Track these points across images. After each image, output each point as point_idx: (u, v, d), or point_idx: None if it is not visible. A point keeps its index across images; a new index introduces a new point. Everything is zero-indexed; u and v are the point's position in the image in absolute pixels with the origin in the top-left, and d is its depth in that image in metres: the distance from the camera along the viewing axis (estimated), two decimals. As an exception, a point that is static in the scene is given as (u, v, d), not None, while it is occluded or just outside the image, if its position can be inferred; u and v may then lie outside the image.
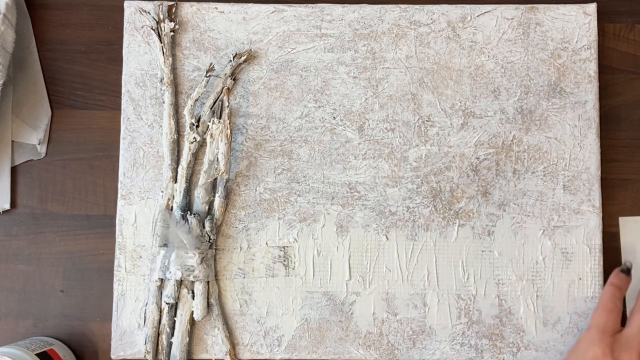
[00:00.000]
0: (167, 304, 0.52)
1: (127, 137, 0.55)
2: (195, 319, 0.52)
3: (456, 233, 0.54)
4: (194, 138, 0.53)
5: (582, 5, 0.55)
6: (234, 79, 0.55)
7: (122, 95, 0.55)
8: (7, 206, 0.55)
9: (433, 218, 0.54)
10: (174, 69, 0.55)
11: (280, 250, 0.54)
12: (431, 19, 0.55)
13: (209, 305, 0.53)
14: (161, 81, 0.54)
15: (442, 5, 0.55)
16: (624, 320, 0.52)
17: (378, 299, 0.53)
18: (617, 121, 0.56)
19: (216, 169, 0.53)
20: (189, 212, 0.53)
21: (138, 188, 0.54)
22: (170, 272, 0.52)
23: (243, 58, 0.54)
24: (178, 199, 0.53)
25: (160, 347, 0.52)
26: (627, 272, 0.51)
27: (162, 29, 0.54)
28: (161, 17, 0.54)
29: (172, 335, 0.52)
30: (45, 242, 0.55)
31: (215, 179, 0.53)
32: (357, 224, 0.54)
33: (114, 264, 0.54)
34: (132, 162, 0.54)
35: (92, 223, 0.55)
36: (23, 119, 0.56)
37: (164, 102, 0.54)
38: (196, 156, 0.54)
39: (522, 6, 0.55)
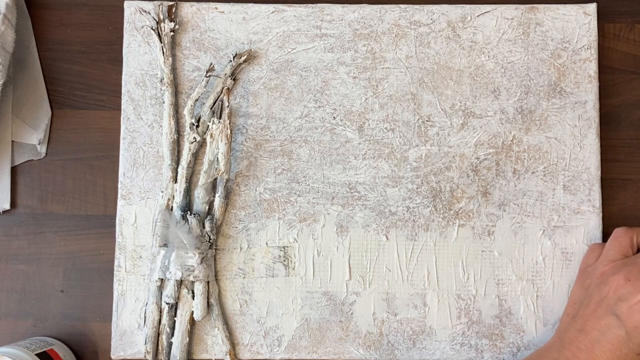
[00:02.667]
0: (167, 304, 0.52)
1: (127, 137, 0.55)
2: (195, 319, 0.52)
3: (456, 233, 0.54)
4: (194, 138, 0.53)
5: (582, 5, 0.55)
6: (234, 79, 0.55)
7: (122, 95, 0.55)
8: (7, 206, 0.55)
9: (433, 218, 0.54)
10: (174, 69, 0.55)
11: (280, 250, 0.54)
12: (431, 19, 0.55)
13: (209, 305, 0.53)
14: (161, 81, 0.54)
15: (442, 5, 0.55)
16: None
17: (378, 299, 0.53)
18: (617, 121, 0.56)
19: (216, 169, 0.53)
20: (189, 212, 0.53)
21: (138, 188, 0.54)
22: (170, 272, 0.52)
23: (243, 58, 0.54)
24: (178, 199, 0.53)
25: (160, 347, 0.52)
26: None
27: (162, 29, 0.54)
28: (161, 17, 0.54)
29: (172, 335, 0.52)
30: (45, 242, 0.55)
31: (215, 179, 0.53)
32: (357, 224, 0.54)
33: (114, 264, 0.54)
34: (132, 162, 0.54)
35: (92, 223, 0.55)
36: (23, 119, 0.56)
37: (164, 102, 0.54)
38: (196, 156, 0.54)
39: (522, 6, 0.55)
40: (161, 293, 0.53)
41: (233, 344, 0.53)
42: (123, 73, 0.55)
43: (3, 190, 0.55)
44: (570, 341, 0.47)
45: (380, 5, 0.55)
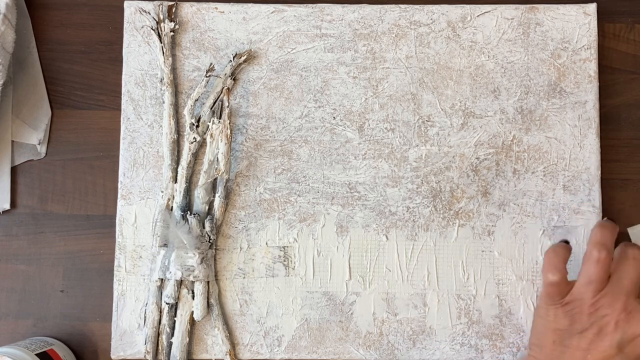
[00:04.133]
0: (167, 304, 0.52)
1: (127, 137, 0.55)
2: (195, 319, 0.52)
3: (456, 233, 0.54)
4: (194, 138, 0.53)
5: (582, 5, 0.55)
6: (234, 79, 0.55)
7: (122, 95, 0.55)
8: (7, 206, 0.55)
9: (433, 218, 0.54)
10: (174, 69, 0.55)
11: (280, 250, 0.54)
12: (431, 19, 0.55)
13: (209, 305, 0.53)
14: (161, 81, 0.54)
15: (442, 5, 0.55)
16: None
17: (378, 299, 0.53)
18: (617, 121, 0.56)
19: (216, 169, 0.53)
20: (189, 212, 0.53)
21: (138, 188, 0.54)
22: (170, 272, 0.52)
23: (243, 58, 0.54)
24: (178, 199, 0.53)
25: (160, 347, 0.52)
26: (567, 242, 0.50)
27: (162, 29, 0.54)
28: (161, 17, 0.54)
29: (172, 335, 0.52)
30: (45, 242, 0.55)
31: (215, 179, 0.53)
32: (357, 224, 0.54)
33: (114, 264, 0.54)
34: (132, 162, 0.54)
35: (92, 223, 0.55)
36: (23, 119, 0.56)
37: (164, 102, 0.54)
38: (196, 156, 0.54)
39: (522, 6, 0.55)
40: (161, 293, 0.53)
41: (233, 344, 0.53)
42: (123, 73, 0.55)
43: (3, 190, 0.55)
44: None
45: (380, 5, 0.55)
